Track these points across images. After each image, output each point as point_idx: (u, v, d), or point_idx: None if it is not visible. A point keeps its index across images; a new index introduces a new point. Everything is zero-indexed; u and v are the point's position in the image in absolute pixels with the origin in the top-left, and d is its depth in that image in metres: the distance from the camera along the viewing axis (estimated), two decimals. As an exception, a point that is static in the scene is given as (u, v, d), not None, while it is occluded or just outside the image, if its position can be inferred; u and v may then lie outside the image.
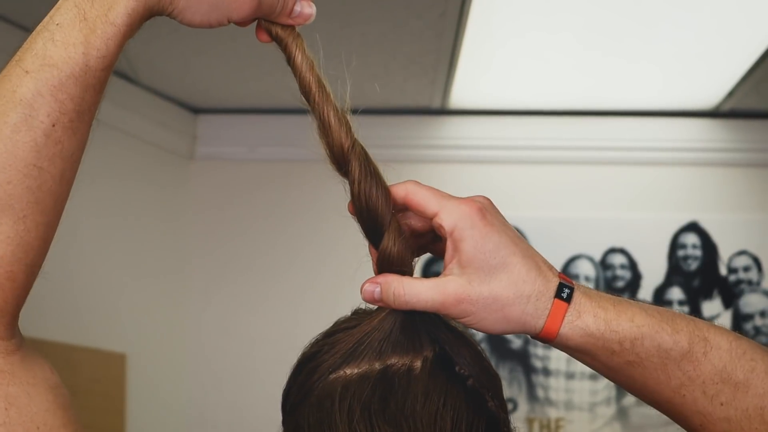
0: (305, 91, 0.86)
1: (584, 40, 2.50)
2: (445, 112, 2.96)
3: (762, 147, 2.93)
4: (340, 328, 0.79)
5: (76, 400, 2.87)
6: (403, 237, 0.80)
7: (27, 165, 0.69)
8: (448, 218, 0.76)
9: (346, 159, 0.84)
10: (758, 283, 2.88)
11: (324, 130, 0.84)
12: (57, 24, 0.71)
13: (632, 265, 2.91)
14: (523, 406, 2.77)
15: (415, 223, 0.81)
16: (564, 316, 0.76)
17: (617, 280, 2.89)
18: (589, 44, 2.52)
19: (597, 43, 2.51)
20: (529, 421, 2.76)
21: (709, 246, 2.91)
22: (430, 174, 2.92)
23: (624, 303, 0.79)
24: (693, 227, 2.91)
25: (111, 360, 2.49)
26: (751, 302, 2.89)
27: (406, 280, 0.77)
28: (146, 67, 2.64)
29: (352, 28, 2.40)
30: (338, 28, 2.39)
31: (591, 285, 2.82)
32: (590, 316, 0.76)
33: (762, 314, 2.88)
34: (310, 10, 0.82)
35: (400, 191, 0.80)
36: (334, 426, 0.76)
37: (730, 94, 2.74)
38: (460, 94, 2.83)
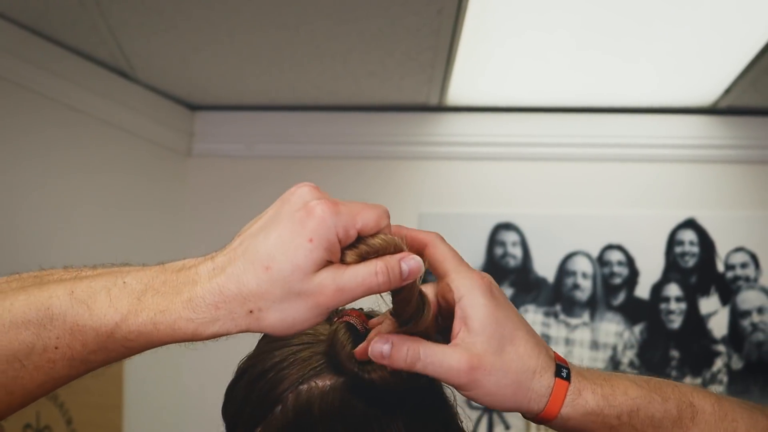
0: (413, 313, 0.76)
1: (581, 38, 2.49)
2: (442, 109, 2.93)
3: (760, 144, 2.92)
4: (291, 342, 0.78)
5: (78, 395, 2.82)
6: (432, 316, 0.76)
7: (14, 356, 0.69)
8: (461, 283, 0.74)
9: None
10: (756, 280, 2.86)
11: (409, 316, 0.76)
12: (124, 282, 0.69)
13: (629, 262, 2.89)
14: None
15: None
16: (566, 395, 0.75)
17: (614, 276, 2.87)
18: (586, 42, 2.50)
19: (594, 41, 2.50)
20: None
21: (706, 243, 2.90)
22: (427, 171, 2.94)
23: (614, 377, 0.78)
24: (690, 224, 2.90)
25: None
26: (748, 299, 2.87)
27: (422, 342, 0.73)
28: (144, 63, 2.63)
29: (349, 26, 2.39)
30: (335, 25, 2.38)
31: (588, 283, 2.82)
32: (589, 393, 0.75)
33: (759, 311, 2.87)
34: (415, 263, 0.71)
35: (423, 239, 0.77)
36: None
37: (728, 90, 2.73)
38: (458, 91, 2.80)
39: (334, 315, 0.80)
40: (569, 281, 2.82)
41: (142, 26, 2.39)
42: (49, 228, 2.42)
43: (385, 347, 0.72)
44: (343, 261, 0.69)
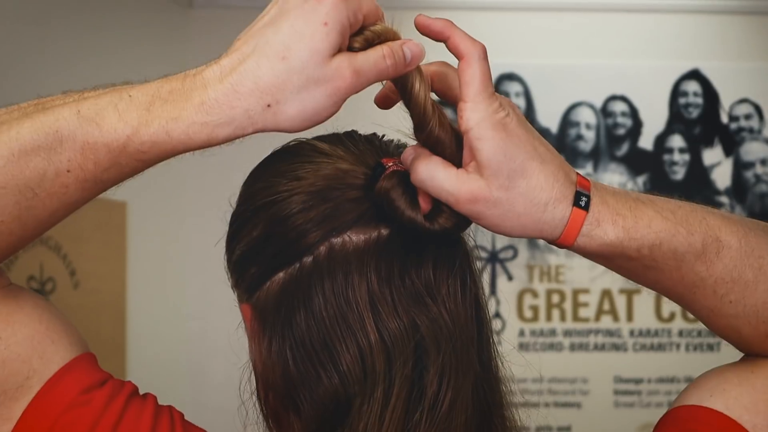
0: (421, 115, 0.77)
1: None
2: None
3: None
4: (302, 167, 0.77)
5: (78, 250, 2.87)
6: (448, 127, 0.76)
7: (26, 185, 0.69)
8: (471, 115, 0.73)
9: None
10: (759, 132, 2.88)
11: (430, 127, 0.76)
12: (129, 96, 0.69)
13: (633, 113, 2.89)
14: (524, 253, 2.77)
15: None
16: (582, 224, 0.74)
17: (618, 127, 2.88)
18: None
19: None
20: (530, 268, 2.76)
21: (710, 94, 2.89)
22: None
23: (641, 207, 0.76)
24: (694, 75, 2.89)
25: (112, 208, 2.50)
26: (752, 150, 2.89)
27: (433, 158, 0.74)
28: None
29: None
30: None
31: (591, 133, 2.82)
32: (609, 224, 0.75)
33: (763, 162, 2.89)
34: (416, 47, 0.73)
35: (463, 51, 0.75)
36: (351, 301, 0.75)
37: None
38: None
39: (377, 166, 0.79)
40: (573, 132, 2.84)
41: None
42: (48, 83, 2.41)
43: (408, 152, 0.74)
44: (350, 47, 0.70)
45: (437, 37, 0.74)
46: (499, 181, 0.72)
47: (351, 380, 0.74)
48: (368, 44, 0.71)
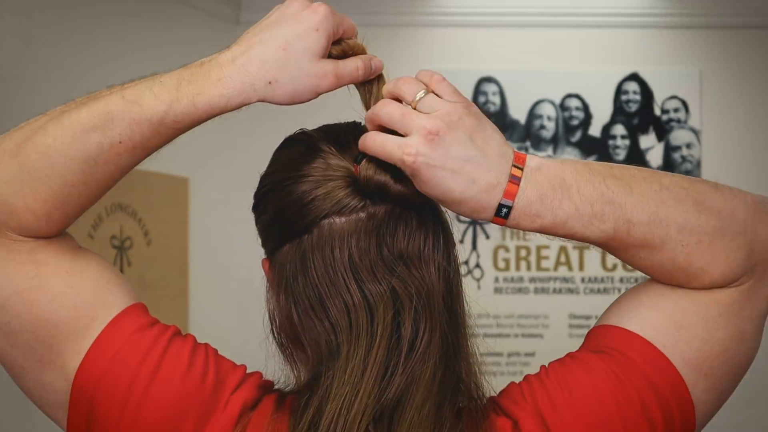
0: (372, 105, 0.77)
1: None
2: None
3: (688, 13, 2.89)
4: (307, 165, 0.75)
5: (150, 215, 2.82)
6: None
7: (89, 155, 0.70)
8: (412, 126, 0.70)
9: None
10: (685, 122, 2.85)
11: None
12: (161, 81, 0.71)
13: (585, 107, 2.88)
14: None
15: None
16: (504, 224, 0.72)
17: (573, 119, 2.86)
18: None
19: None
20: (503, 230, 2.71)
21: (646, 92, 2.88)
22: (425, 36, 2.91)
23: (565, 203, 0.71)
24: (634, 77, 2.89)
25: (177, 182, 2.47)
26: (679, 136, 2.87)
27: (379, 133, 0.72)
28: None
29: None
30: None
31: (552, 124, 2.78)
32: (527, 224, 0.72)
33: (687, 146, 2.87)
34: (380, 63, 0.76)
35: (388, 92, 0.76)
36: (337, 269, 0.74)
37: None
38: None
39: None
40: (537, 123, 2.80)
41: None
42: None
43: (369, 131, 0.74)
44: (330, 54, 0.73)
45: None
46: (434, 181, 0.71)
47: (339, 329, 0.73)
48: (343, 54, 0.74)
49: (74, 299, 0.72)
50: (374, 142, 0.72)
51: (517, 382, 0.76)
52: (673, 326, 0.74)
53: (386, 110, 0.72)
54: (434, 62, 2.85)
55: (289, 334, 0.77)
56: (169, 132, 0.71)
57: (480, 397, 0.75)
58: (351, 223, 0.73)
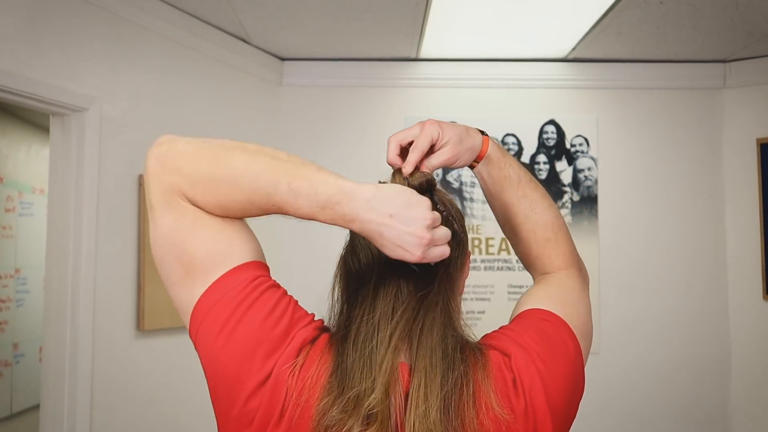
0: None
1: (498, 10, 2.48)
2: (419, 59, 3.12)
3: (589, 78, 3.15)
4: None
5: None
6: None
7: (251, 199, 0.74)
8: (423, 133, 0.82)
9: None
10: (587, 152, 3.15)
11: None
12: (316, 192, 0.73)
13: (519, 142, 3.16)
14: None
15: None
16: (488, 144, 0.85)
17: (510, 150, 3.02)
18: (501, 14, 2.52)
19: (507, 7, 2.46)
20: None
21: (560, 131, 3.15)
22: (406, 96, 3.12)
23: (507, 158, 0.89)
24: (552, 122, 3.16)
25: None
26: (583, 163, 3.16)
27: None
28: (251, 30, 2.69)
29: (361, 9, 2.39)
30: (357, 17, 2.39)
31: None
32: (495, 154, 0.86)
33: (588, 169, 3.15)
34: (446, 249, 0.78)
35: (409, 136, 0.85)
36: (372, 248, 0.83)
37: (574, 48, 2.95)
38: (426, 48, 2.93)
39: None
40: (484, 154, 2.99)
41: (256, 6, 2.42)
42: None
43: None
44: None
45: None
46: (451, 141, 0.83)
47: (366, 268, 0.82)
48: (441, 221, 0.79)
49: (212, 246, 0.75)
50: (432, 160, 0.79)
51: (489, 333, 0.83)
52: (562, 300, 0.87)
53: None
54: (410, 112, 3.13)
55: (345, 276, 0.87)
56: (306, 219, 0.75)
57: (469, 335, 0.82)
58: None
